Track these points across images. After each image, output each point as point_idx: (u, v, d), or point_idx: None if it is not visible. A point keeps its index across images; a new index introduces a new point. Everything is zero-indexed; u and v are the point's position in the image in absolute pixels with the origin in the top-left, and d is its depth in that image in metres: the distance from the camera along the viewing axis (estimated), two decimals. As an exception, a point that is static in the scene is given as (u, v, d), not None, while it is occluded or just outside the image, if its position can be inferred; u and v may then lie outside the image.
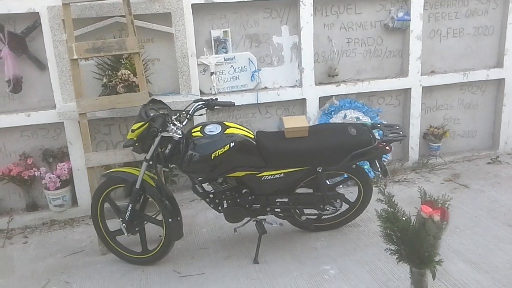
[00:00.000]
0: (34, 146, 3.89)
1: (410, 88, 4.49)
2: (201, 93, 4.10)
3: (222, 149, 2.84)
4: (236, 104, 3.99)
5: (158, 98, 3.81)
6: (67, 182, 3.87)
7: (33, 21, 3.64)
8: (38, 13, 3.59)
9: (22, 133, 3.86)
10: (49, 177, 3.74)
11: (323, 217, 3.33)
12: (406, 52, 4.44)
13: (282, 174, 3.01)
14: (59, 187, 3.79)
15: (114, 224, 3.18)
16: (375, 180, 3.01)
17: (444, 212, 2.32)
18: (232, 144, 2.86)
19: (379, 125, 3.23)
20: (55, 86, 3.75)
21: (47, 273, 3.15)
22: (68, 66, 3.54)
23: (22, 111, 3.78)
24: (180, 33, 3.85)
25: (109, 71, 3.74)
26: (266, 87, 4.29)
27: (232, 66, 4.19)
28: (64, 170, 3.79)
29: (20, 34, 3.65)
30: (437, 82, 4.57)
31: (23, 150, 3.86)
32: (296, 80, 4.33)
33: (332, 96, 4.31)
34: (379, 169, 3.09)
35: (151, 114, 2.86)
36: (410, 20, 4.32)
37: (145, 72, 3.80)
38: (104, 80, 3.73)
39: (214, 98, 3.20)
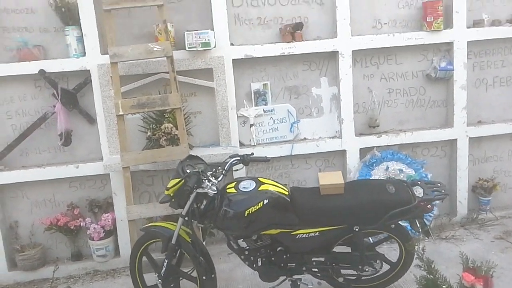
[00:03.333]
0: (81, 196, 4.07)
1: (456, 139, 4.33)
2: (241, 144, 4.17)
3: (255, 206, 2.83)
4: (274, 156, 4.10)
5: (199, 149, 3.97)
6: (111, 232, 3.98)
7: (84, 78, 3.89)
8: (89, 70, 3.84)
9: (70, 184, 4.07)
10: (94, 228, 3.87)
11: (362, 278, 3.20)
12: (451, 102, 4.33)
13: (317, 232, 2.95)
14: (103, 237, 3.91)
15: (152, 278, 3.21)
16: (415, 242, 2.88)
17: (487, 281, 2.18)
18: (266, 201, 2.85)
19: (419, 182, 3.12)
20: (103, 139, 3.95)
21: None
22: (115, 120, 3.73)
23: (72, 163, 3.99)
24: (221, 87, 3.97)
25: (153, 125, 3.89)
26: (305, 138, 4.30)
27: (271, 117, 4.24)
28: (108, 220, 3.91)
29: (72, 90, 3.90)
30: (484, 133, 4.39)
31: (71, 201, 4.04)
32: (336, 131, 4.31)
33: (373, 147, 4.24)
34: (420, 230, 2.96)
35: (188, 171, 2.93)
36: (453, 70, 4.22)
37: (187, 124, 3.94)
38: (149, 133, 3.88)
39: (249, 153, 3.23)
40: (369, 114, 4.33)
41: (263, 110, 4.21)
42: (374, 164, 4.19)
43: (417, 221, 2.98)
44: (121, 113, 3.55)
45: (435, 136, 4.33)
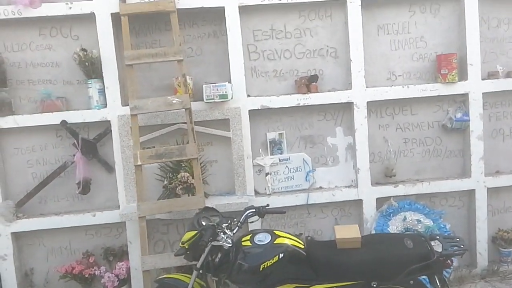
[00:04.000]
0: (97, 244, 4.09)
1: (474, 190, 4.27)
2: (256, 193, 4.17)
3: (271, 260, 2.80)
4: (290, 205, 4.09)
5: (214, 198, 3.99)
6: (125, 281, 3.96)
7: (104, 128, 4.00)
8: (109, 121, 3.94)
9: (86, 232, 4.10)
10: (108, 276, 3.85)
11: (380, 334, 3.09)
12: (468, 152, 4.30)
13: (334, 288, 2.90)
14: (117, 286, 3.89)
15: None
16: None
17: None
18: (281, 255, 2.82)
19: (437, 237, 3.06)
20: (120, 188, 4.00)
21: None
22: (133, 169, 3.79)
23: (89, 211, 4.04)
24: (237, 137, 4.04)
25: (170, 173, 3.94)
26: (321, 187, 4.29)
27: (287, 166, 4.26)
28: (123, 269, 3.90)
29: (92, 140, 4.00)
30: (503, 183, 4.33)
31: (86, 248, 4.06)
32: (352, 180, 4.30)
33: (390, 197, 4.20)
34: (439, 286, 2.88)
35: (203, 223, 2.94)
36: (469, 121, 4.23)
37: (203, 173, 3.98)
38: (165, 182, 3.93)
39: (265, 205, 3.23)
40: (385, 164, 4.32)
41: (279, 159, 4.24)
42: (391, 214, 4.14)
43: (436, 277, 2.91)
44: (139, 163, 3.61)
45: (452, 186, 4.28)
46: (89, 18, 3.85)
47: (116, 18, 3.83)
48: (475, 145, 4.26)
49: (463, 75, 4.22)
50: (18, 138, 4.00)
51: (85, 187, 3.96)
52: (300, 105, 4.12)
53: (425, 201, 4.28)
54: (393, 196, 4.20)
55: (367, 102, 4.15)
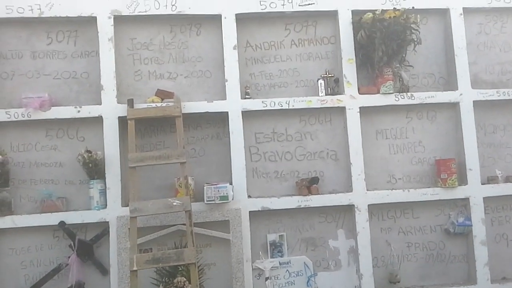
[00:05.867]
0: None
1: (481, 299, 4.13)
2: (255, 299, 4.01)
3: None
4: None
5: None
6: None
7: (102, 229, 3.93)
8: (108, 222, 3.89)
9: None
10: None
11: None
12: (472, 258, 4.20)
13: None
14: None
15: None
16: None
17: None
18: None
19: None
20: (114, 292, 3.85)
21: None
22: (128, 273, 3.66)
23: (79, 316, 3.85)
24: (237, 239, 3.96)
25: (166, 278, 3.81)
26: (323, 293, 4.14)
27: (287, 270, 4.14)
28: None
29: (89, 241, 3.91)
30: (511, 291, 4.20)
31: None
32: (355, 286, 4.15)
33: (396, 305, 4.04)
34: None
35: None
36: (471, 226, 4.19)
37: (200, 277, 3.83)
38: (161, 286, 3.79)
39: None
40: (389, 269, 4.20)
41: (279, 262, 4.12)
42: (397, 325, 3.96)
43: None
44: (135, 268, 3.50)
45: (459, 294, 4.14)
46: (97, 121, 3.96)
47: (123, 121, 3.94)
48: (479, 250, 4.18)
49: (462, 180, 4.25)
50: (14, 238, 3.92)
51: (77, 290, 3.82)
52: (301, 207, 4.10)
53: (431, 309, 4.12)
54: (399, 304, 4.05)
55: (368, 205, 4.14)
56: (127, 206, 3.72)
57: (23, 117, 3.89)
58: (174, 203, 3.71)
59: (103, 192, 3.91)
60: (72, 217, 3.87)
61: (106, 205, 3.91)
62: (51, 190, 3.94)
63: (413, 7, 4.21)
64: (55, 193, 3.93)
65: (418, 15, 4.17)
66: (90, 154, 3.84)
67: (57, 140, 4.05)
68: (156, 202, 3.72)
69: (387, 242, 4.25)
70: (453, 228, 4.22)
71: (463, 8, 4.39)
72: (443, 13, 4.44)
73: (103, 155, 3.90)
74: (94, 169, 3.86)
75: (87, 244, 3.89)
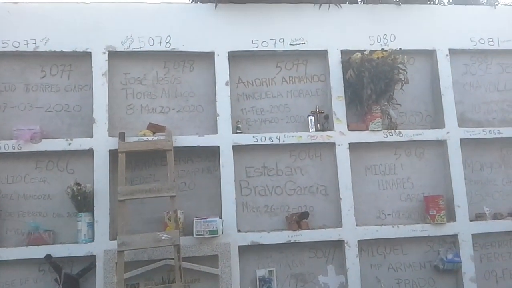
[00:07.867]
0: None
1: (473, 338, 4.09)
2: (244, 338, 3.93)
3: None
4: None
5: None
6: None
7: (89, 262, 3.87)
8: (95, 256, 3.84)
9: None
10: None
11: None
12: (463, 296, 4.20)
13: None
14: None
15: None
16: None
17: None
18: None
19: None
20: (96, 332, 3.76)
21: None
22: (114, 309, 3.60)
23: None
24: (225, 274, 3.92)
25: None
26: (313, 332, 4.07)
27: (277, 307, 4.09)
28: None
29: (75, 275, 3.84)
30: (502, 331, 4.16)
31: None
32: (347, 324, 4.10)
33: None
34: None
35: None
36: (460, 262, 4.19)
37: (188, 315, 3.78)
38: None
39: None
40: (379, 307, 4.17)
41: (268, 300, 4.08)
42: None
43: None
44: (120, 307, 3.45)
45: (450, 333, 4.10)
46: (87, 154, 3.98)
47: (113, 154, 3.95)
48: (468, 287, 4.17)
49: (451, 216, 4.29)
50: (-2, 272, 3.86)
51: (60, 328, 3.72)
52: (291, 241, 4.09)
53: None
54: None
55: (358, 240, 4.14)
56: (115, 239, 3.69)
57: (13, 149, 3.89)
58: (163, 237, 3.68)
59: (91, 225, 3.88)
60: (59, 250, 3.81)
61: (94, 238, 3.86)
62: (38, 222, 3.90)
63: (400, 48, 4.36)
64: (42, 225, 3.89)
65: (405, 56, 4.32)
66: (79, 187, 3.83)
67: (47, 172, 4.04)
68: (145, 236, 3.69)
69: (377, 278, 4.23)
70: (442, 264, 4.21)
71: (449, 49, 4.55)
72: (430, 54, 4.59)
73: (92, 188, 3.89)
74: (83, 202, 3.84)
75: (73, 278, 3.82)
